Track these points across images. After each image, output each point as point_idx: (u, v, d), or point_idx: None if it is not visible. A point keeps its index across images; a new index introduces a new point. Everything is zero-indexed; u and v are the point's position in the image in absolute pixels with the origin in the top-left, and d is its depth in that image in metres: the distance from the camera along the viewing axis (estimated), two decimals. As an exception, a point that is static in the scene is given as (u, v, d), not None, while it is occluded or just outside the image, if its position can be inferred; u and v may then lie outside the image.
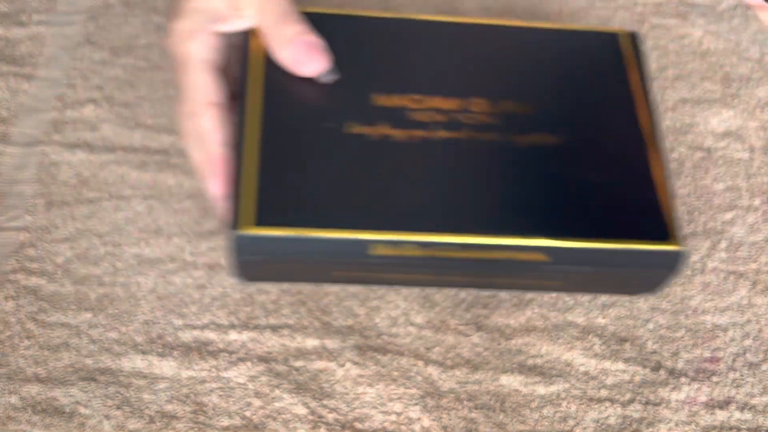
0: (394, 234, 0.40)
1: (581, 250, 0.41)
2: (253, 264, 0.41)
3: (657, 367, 0.44)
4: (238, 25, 0.43)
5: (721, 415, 0.43)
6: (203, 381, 0.43)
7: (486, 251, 0.41)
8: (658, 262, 0.42)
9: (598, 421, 0.42)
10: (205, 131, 0.41)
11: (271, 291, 0.46)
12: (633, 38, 0.47)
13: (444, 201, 0.42)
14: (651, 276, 0.43)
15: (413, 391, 0.43)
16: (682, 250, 0.42)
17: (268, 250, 0.39)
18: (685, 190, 0.52)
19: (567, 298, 0.46)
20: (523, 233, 0.41)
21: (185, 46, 0.41)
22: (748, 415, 0.43)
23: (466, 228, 0.41)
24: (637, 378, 0.44)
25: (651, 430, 0.42)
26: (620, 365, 0.44)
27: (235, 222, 0.39)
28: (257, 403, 0.43)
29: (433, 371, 0.44)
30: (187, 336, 0.45)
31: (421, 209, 0.41)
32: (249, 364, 0.44)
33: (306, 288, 0.47)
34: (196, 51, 0.41)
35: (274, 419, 0.42)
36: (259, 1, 0.42)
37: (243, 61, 0.43)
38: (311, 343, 0.45)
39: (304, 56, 0.42)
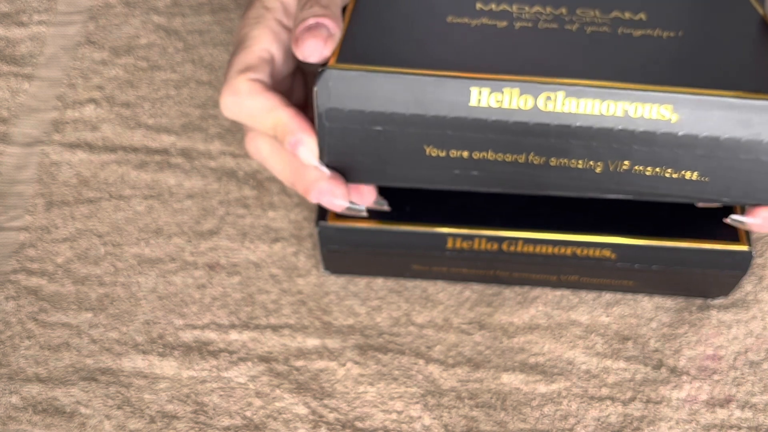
0: (467, 228, 0.43)
1: (646, 248, 0.42)
2: (337, 255, 0.45)
3: (658, 366, 0.44)
4: None
5: (721, 414, 0.42)
6: (204, 381, 0.43)
7: (554, 246, 0.43)
8: (725, 263, 0.43)
9: (599, 420, 0.42)
10: (251, 110, 0.38)
11: (271, 291, 0.46)
12: None
13: (516, 201, 0.43)
14: (720, 277, 0.44)
15: (414, 389, 0.43)
16: (750, 251, 0.42)
17: (350, 241, 0.43)
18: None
19: (572, 297, 0.46)
20: (591, 230, 0.43)
21: (250, 28, 0.39)
22: (748, 414, 0.42)
23: (536, 224, 0.43)
24: (639, 376, 0.44)
25: (652, 428, 0.42)
26: (621, 364, 0.44)
27: (319, 214, 0.43)
28: (258, 402, 0.42)
29: (434, 370, 0.44)
30: (187, 336, 0.45)
31: (494, 208, 0.43)
32: (250, 363, 0.44)
33: (307, 288, 0.46)
34: (259, 37, 0.39)
35: (275, 419, 0.42)
36: None
37: None
38: (312, 342, 0.45)
39: (296, 43, 0.37)
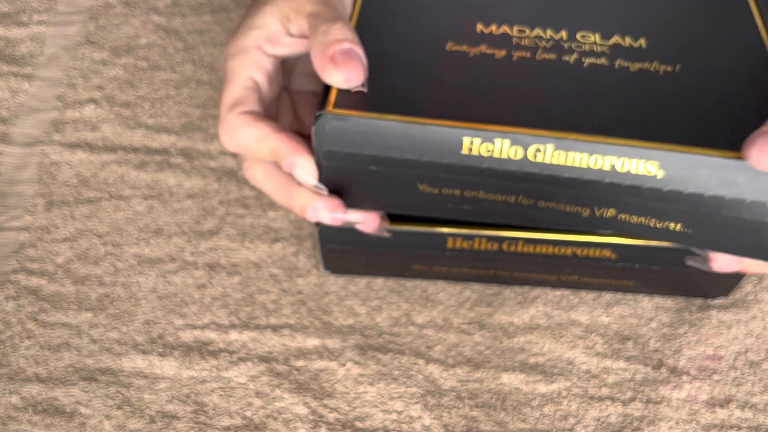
0: (468, 228, 0.42)
1: (646, 248, 0.42)
2: (337, 255, 0.45)
3: (658, 366, 0.44)
4: (288, 47, 0.40)
5: (721, 414, 0.42)
6: (204, 381, 0.43)
7: (554, 247, 0.43)
8: None
9: (599, 420, 0.42)
10: (245, 141, 0.39)
11: (271, 291, 0.46)
12: None
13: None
14: (720, 277, 0.44)
15: (414, 389, 0.43)
16: None
17: (350, 241, 0.43)
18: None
19: (572, 297, 0.46)
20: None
21: (231, 61, 0.40)
22: (748, 414, 0.42)
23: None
24: (639, 376, 0.44)
25: (652, 428, 0.42)
26: (621, 364, 0.44)
27: None
28: (258, 402, 0.42)
29: (434, 370, 0.44)
30: (187, 336, 0.45)
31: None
32: (250, 363, 0.44)
33: (307, 288, 0.46)
34: (241, 66, 0.39)
35: (275, 419, 0.42)
36: (306, 8, 0.39)
37: None
38: (312, 342, 0.45)
39: (334, 63, 0.36)
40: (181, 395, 0.43)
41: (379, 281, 0.47)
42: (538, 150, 0.35)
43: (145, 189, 0.50)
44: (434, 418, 0.42)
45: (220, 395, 0.43)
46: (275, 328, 0.45)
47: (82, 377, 0.43)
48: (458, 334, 0.45)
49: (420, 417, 0.42)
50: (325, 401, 0.43)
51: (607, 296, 0.46)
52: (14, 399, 0.42)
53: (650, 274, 0.44)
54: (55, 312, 0.45)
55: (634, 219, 0.37)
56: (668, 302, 0.46)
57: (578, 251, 0.43)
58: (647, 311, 0.46)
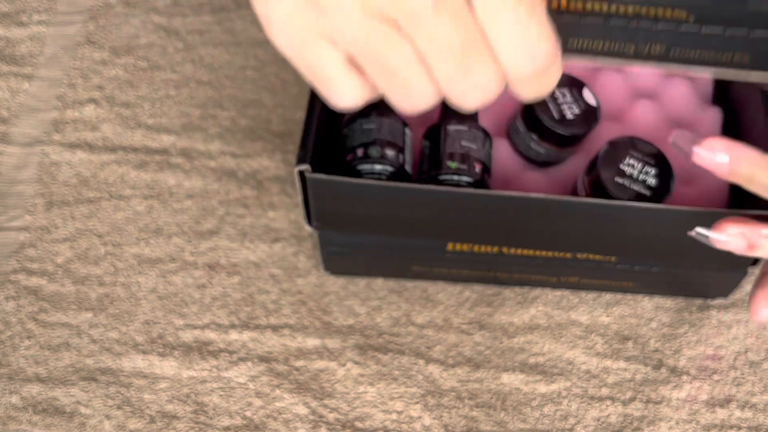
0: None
1: (646, 249, 0.42)
2: (338, 257, 0.45)
3: (658, 366, 0.44)
4: None
5: (721, 414, 0.42)
6: (204, 381, 0.43)
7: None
8: (725, 264, 0.42)
9: (599, 420, 0.42)
10: None
11: (271, 291, 0.46)
12: None
13: None
14: (720, 277, 0.44)
15: (414, 389, 0.43)
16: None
17: (350, 244, 0.43)
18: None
19: (572, 297, 0.46)
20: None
21: None
22: (748, 414, 0.42)
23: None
24: (639, 376, 0.44)
25: (652, 428, 0.42)
26: (621, 364, 0.44)
27: None
28: (258, 402, 0.42)
29: (434, 370, 0.44)
30: (187, 336, 0.45)
31: None
32: (250, 363, 0.44)
33: (307, 288, 0.46)
34: None
35: (275, 419, 0.42)
36: None
37: None
38: (312, 342, 0.45)
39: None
40: (181, 395, 0.43)
41: (378, 281, 0.47)
42: None
43: (145, 189, 0.50)
44: (434, 418, 0.42)
45: (220, 395, 0.43)
46: (275, 328, 0.45)
47: (82, 377, 0.43)
48: (458, 334, 0.45)
49: (420, 417, 0.42)
50: (325, 401, 0.43)
51: (607, 296, 0.46)
52: (14, 399, 0.42)
53: (650, 275, 0.44)
54: (55, 312, 0.45)
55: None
56: (668, 302, 0.46)
57: (578, 254, 0.43)
58: (647, 311, 0.46)
